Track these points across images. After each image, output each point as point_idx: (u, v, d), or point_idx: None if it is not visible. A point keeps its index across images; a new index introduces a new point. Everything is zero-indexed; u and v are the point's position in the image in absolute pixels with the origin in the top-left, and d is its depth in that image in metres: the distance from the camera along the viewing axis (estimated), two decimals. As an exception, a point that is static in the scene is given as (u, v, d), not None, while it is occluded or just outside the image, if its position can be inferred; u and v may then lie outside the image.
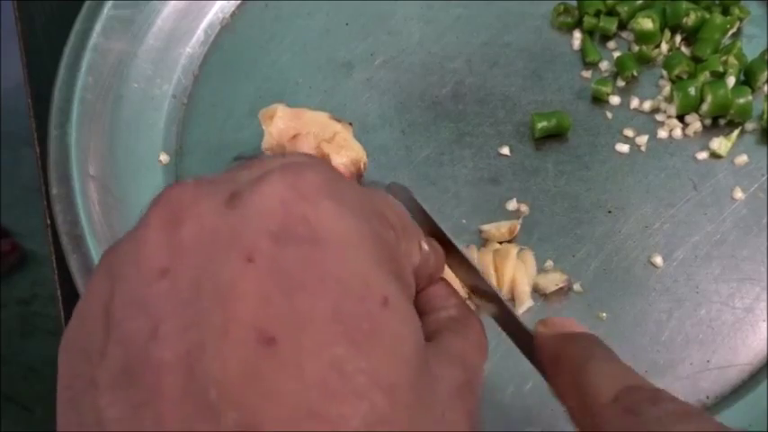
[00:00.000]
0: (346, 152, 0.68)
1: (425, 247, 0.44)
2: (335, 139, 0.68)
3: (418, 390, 0.35)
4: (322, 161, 0.41)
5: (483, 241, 0.69)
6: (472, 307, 0.49)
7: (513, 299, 0.66)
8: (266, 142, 0.69)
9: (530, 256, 0.67)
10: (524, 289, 0.65)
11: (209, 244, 0.34)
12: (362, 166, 0.70)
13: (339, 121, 0.70)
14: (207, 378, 0.32)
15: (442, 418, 0.37)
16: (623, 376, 0.42)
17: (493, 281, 0.65)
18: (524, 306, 0.66)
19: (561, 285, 0.66)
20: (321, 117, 0.69)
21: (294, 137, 0.68)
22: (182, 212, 0.35)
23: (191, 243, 0.35)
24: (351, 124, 0.70)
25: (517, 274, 0.65)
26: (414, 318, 0.37)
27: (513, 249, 0.65)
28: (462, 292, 0.56)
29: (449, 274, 0.51)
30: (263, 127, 0.69)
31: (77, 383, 0.35)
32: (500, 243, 0.68)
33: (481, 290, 0.50)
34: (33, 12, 0.79)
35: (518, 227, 0.69)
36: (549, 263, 0.68)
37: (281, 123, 0.68)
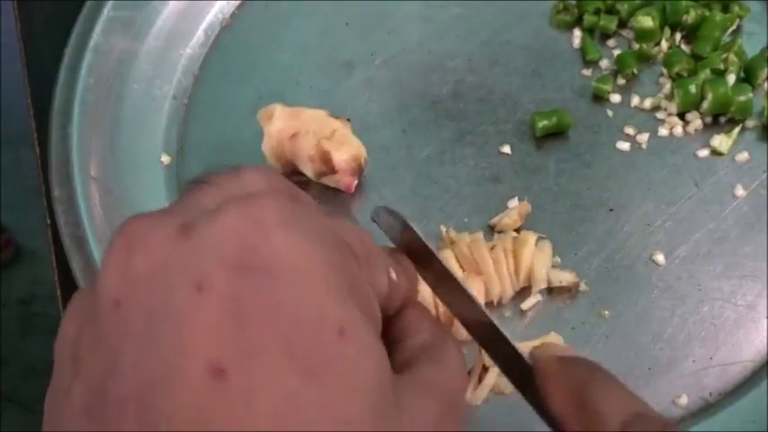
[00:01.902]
0: (347, 148, 0.68)
1: (394, 276, 0.43)
2: (335, 135, 0.68)
3: (380, 422, 0.34)
4: (282, 190, 0.39)
5: (496, 235, 0.69)
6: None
7: (530, 285, 0.66)
8: (266, 143, 0.69)
9: (547, 246, 0.66)
10: (541, 276, 0.65)
11: (161, 274, 0.34)
12: (363, 161, 0.70)
13: (337, 118, 0.70)
14: (158, 413, 0.31)
15: None
16: (631, 403, 0.41)
17: (510, 268, 0.64)
18: (534, 298, 0.66)
19: (568, 284, 0.66)
20: (319, 115, 0.69)
21: (293, 135, 0.68)
22: (135, 243, 0.35)
23: (142, 273, 0.34)
24: (349, 120, 0.71)
25: (535, 261, 0.65)
26: (375, 348, 0.36)
27: (532, 237, 0.65)
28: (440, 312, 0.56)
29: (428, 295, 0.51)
30: (262, 127, 0.69)
31: (50, 425, 0.35)
32: (516, 231, 0.68)
33: (473, 319, 0.47)
34: (33, 12, 0.79)
35: (526, 206, 0.69)
36: (557, 258, 0.68)
37: (279, 123, 0.68)
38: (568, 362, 0.44)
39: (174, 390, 0.32)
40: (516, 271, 0.65)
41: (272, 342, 0.33)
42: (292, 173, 0.71)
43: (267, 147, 0.69)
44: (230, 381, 0.31)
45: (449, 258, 0.64)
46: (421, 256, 0.48)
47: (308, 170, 0.69)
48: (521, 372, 0.45)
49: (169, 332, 0.33)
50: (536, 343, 0.62)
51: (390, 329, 0.45)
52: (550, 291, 0.67)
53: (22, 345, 0.89)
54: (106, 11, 0.76)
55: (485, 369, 0.59)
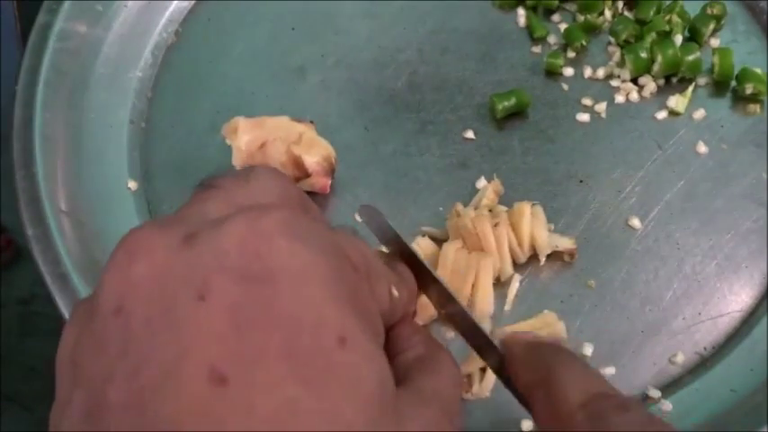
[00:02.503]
0: (316, 150, 0.69)
1: (396, 293, 0.43)
2: (302, 139, 0.68)
3: (380, 429, 0.34)
4: (292, 201, 0.40)
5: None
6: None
7: (536, 254, 0.66)
8: (236, 157, 0.69)
9: (540, 211, 0.67)
10: (544, 241, 0.66)
11: (163, 281, 0.34)
12: (333, 160, 0.70)
13: (300, 121, 0.70)
14: (158, 418, 0.31)
15: None
16: (592, 383, 0.42)
17: (513, 243, 0.65)
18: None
19: (566, 249, 0.67)
20: (282, 121, 0.69)
21: (262, 145, 0.68)
22: (137, 251, 0.35)
23: (144, 281, 0.34)
24: (312, 122, 0.71)
25: (535, 229, 0.65)
26: (377, 357, 0.36)
27: (527, 207, 0.65)
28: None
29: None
30: (229, 142, 0.69)
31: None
32: (490, 211, 0.68)
33: (450, 308, 0.49)
34: (33, 12, 0.77)
35: (498, 184, 0.70)
36: (551, 225, 0.68)
37: (245, 135, 0.68)
38: (534, 346, 0.46)
39: (175, 395, 0.32)
40: (520, 244, 0.65)
41: (272, 349, 0.33)
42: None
43: (238, 161, 0.69)
44: (231, 387, 0.32)
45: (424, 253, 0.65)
46: (403, 255, 0.49)
47: (283, 178, 0.69)
48: (497, 360, 0.48)
49: (170, 339, 0.33)
50: (532, 322, 0.63)
51: (386, 344, 0.45)
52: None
53: (22, 345, 0.88)
54: (51, 43, 0.74)
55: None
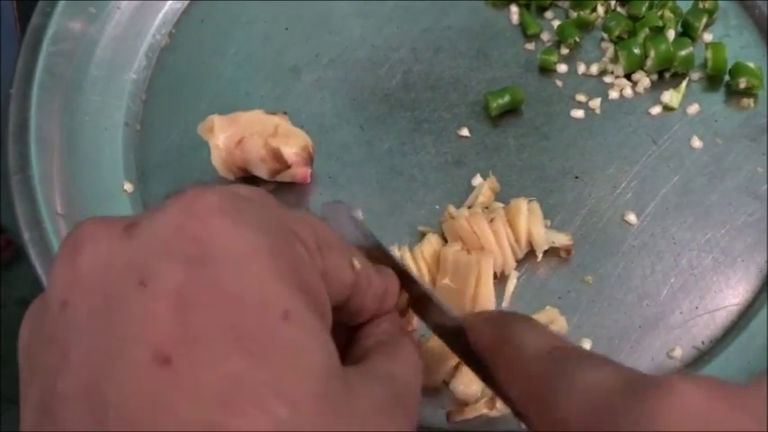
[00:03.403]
0: (294, 141, 0.69)
1: (357, 264, 0.43)
2: (278, 131, 0.69)
3: (330, 403, 0.34)
4: (224, 186, 0.39)
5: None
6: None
7: (533, 250, 0.67)
8: (214, 155, 0.69)
9: (537, 208, 0.67)
10: (541, 238, 0.66)
11: (106, 271, 0.35)
12: (311, 149, 0.70)
13: (274, 113, 0.70)
14: (106, 403, 0.32)
15: None
16: (553, 337, 0.42)
17: (510, 238, 0.65)
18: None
19: (563, 246, 0.67)
20: (256, 115, 0.70)
21: (239, 142, 0.68)
22: (81, 244, 0.36)
23: (88, 272, 0.35)
24: (286, 113, 0.71)
25: (532, 225, 0.65)
26: (321, 332, 0.37)
27: (523, 203, 0.66)
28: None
29: None
30: (207, 141, 0.69)
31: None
32: (486, 208, 0.68)
33: (415, 291, 0.50)
34: (33, 12, 0.77)
35: (494, 181, 0.70)
36: (547, 221, 0.69)
37: (222, 133, 0.68)
38: (493, 315, 0.47)
39: (121, 379, 0.32)
40: (517, 240, 0.65)
41: (215, 327, 0.33)
42: (245, 179, 0.71)
43: (217, 159, 0.69)
44: (175, 366, 0.32)
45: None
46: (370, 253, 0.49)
47: (262, 171, 0.69)
48: (459, 337, 0.47)
49: (114, 326, 0.33)
50: (536, 318, 0.63)
51: (356, 330, 0.46)
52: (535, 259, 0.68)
53: (23, 345, 0.88)
54: (45, 45, 0.74)
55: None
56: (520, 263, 0.67)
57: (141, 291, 0.33)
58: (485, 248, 0.64)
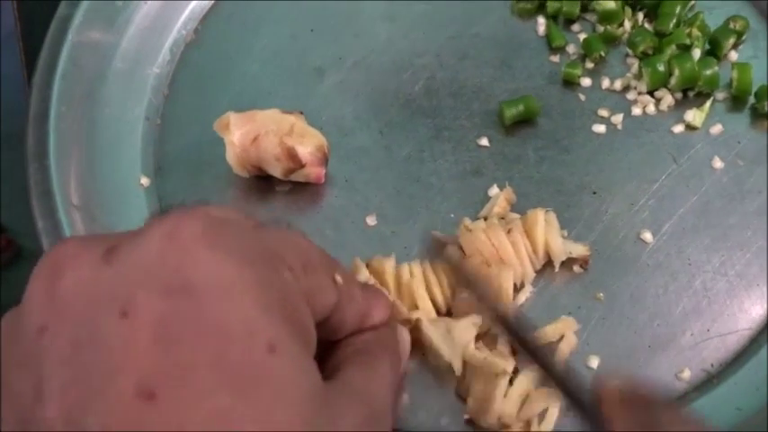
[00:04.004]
0: (309, 140, 0.69)
1: (340, 279, 0.43)
2: (294, 130, 0.69)
3: (315, 428, 0.34)
4: (204, 210, 0.39)
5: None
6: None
7: (550, 260, 0.66)
8: (229, 152, 0.69)
9: (554, 218, 0.66)
10: (559, 248, 0.65)
11: (87, 299, 0.34)
12: (326, 149, 0.70)
13: (290, 112, 0.70)
14: None
15: None
16: None
17: (528, 249, 0.65)
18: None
19: (579, 256, 0.67)
20: (272, 113, 0.70)
21: (255, 139, 0.68)
22: (61, 267, 0.35)
23: (69, 299, 0.35)
24: (302, 113, 0.71)
25: (549, 235, 0.65)
26: (305, 361, 0.37)
27: (540, 213, 0.65)
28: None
29: None
30: (223, 138, 0.69)
31: None
32: (502, 218, 0.68)
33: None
34: (33, 12, 0.78)
35: (510, 192, 0.70)
36: (564, 232, 0.68)
37: (237, 130, 0.68)
38: (635, 397, 0.44)
39: (104, 413, 0.32)
40: (534, 251, 0.65)
41: (201, 361, 0.33)
42: (259, 177, 0.71)
43: (231, 156, 0.69)
44: (160, 401, 0.32)
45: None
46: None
47: (276, 170, 0.69)
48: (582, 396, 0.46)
49: (96, 358, 0.33)
50: (552, 326, 0.63)
51: (336, 340, 0.46)
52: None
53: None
54: (70, 36, 0.75)
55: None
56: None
57: (122, 322, 0.33)
58: (504, 260, 0.63)
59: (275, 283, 0.37)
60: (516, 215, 0.67)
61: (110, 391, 0.32)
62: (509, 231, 0.64)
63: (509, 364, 0.58)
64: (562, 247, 0.66)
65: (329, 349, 0.46)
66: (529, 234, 0.65)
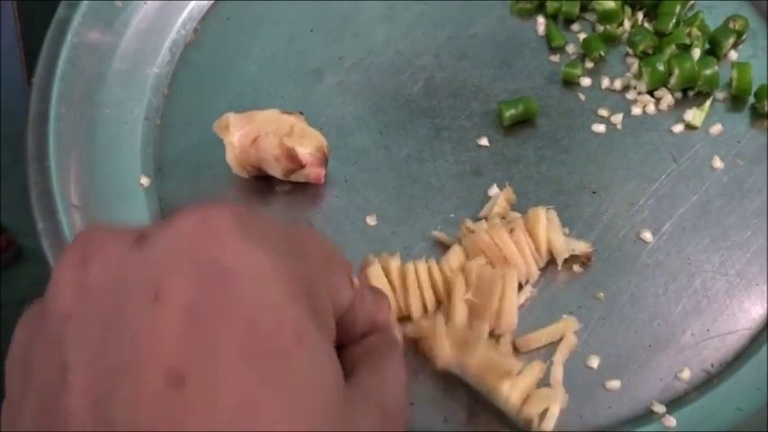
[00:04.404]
0: (308, 141, 0.69)
1: (356, 281, 0.44)
2: (294, 131, 0.69)
3: (337, 424, 0.35)
4: (230, 204, 0.39)
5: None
6: None
7: (551, 259, 0.66)
8: (229, 153, 0.69)
9: (555, 216, 0.66)
10: (561, 245, 0.65)
11: (116, 285, 0.34)
12: (326, 150, 0.70)
13: (290, 113, 0.70)
14: (116, 422, 0.31)
15: None
16: None
17: (531, 247, 0.65)
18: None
19: (582, 253, 0.67)
20: (272, 114, 0.70)
21: (255, 140, 0.68)
22: (90, 254, 0.35)
23: (98, 285, 0.34)
24: (302, 113, 0.71)
25: (551, 233, 0.65)
26: (331, 355, 0.37)
27: (542, 211, 0.65)
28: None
29: None
30: (222, 138, 0.69)
31: None
32: (503, 218, 0.67)
33: None
34: (33, 12, 0.78)
35: (510, 192, 0.69)
36: (566, 229, 0.68)
37: (237, 131, 0.68)
38: None
39: (132, 398, 0.32)
40: (537, 249, 0.65)
41: (230, 348, 0.33)
42: (259, 178, 0.71)
43: (231, 157, 0.69)
44: (190, 387, 0.32)
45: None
46: None
47: (276, 171, 0.69)
48: None
49: (126, 343, 0.33)
50: (552, 326, 0.63)
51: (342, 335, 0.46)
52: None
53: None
54: (70, 37, 0.75)
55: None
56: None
57: (153, 306, 0.33)
58: (508, 260, 0.63)
59: (303, 276, 0.37)
60: (518, 214, 0.67)
61: (138, 375, 0.32)
62: (512, 231, 0.64)
63: (515, 365, 0.58)
64: (565, 245, 0.66)
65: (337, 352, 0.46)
66: (531, 232, 0.65)
